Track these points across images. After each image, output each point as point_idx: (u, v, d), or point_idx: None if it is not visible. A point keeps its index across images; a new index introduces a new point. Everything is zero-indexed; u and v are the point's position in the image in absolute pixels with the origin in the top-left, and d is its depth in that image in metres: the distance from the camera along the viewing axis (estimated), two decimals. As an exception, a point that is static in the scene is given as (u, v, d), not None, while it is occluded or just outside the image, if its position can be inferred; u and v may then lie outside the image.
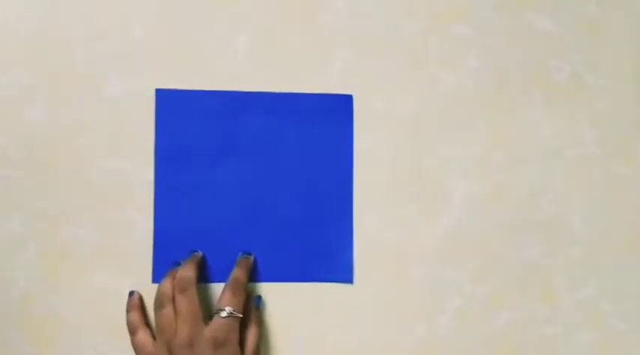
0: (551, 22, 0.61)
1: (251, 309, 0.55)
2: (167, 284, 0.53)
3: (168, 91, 0.57)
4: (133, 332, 0.53)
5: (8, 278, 0.55)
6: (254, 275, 0.57)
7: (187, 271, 0.52)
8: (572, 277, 0.58)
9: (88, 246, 0.56)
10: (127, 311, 0.55)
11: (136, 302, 0.55)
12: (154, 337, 0.53)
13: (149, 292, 0.56)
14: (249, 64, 0.58)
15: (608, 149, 0.60)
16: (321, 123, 0.58)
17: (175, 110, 0.57)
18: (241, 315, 0.52)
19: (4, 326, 0.55)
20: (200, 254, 0.56)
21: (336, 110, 0.58)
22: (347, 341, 0.57)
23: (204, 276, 0.57)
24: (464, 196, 0.59)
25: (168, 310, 0.52)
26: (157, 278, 0.56)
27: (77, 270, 0.56)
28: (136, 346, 0.53)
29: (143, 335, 0.53)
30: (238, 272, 0.54)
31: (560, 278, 0.58)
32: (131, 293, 0.55)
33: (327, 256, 0.57)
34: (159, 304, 0.52)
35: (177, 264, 0.55)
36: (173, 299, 0.52)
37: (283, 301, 0.57)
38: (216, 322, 0.51)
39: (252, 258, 0.56)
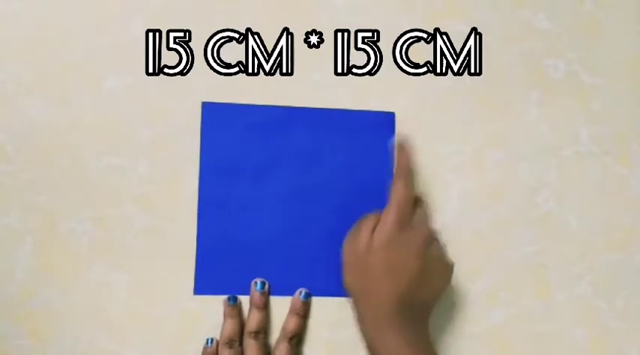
0: (548, 20, 0.61)
1: None
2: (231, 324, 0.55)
3: (215, 105, 0.58)
4: None
5: (6, 272, 0.55)
6: (289, 289, 0.57)
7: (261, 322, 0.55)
8: (567, 274, 0.59)
9: (85, 241, 0.56)
10: None
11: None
12: None
13: (147, 285, 0.56)
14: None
15: (603, 147, 0.60)
16: (363, 139, 0.59)
17: (221, 123, 0.58)
18: None
19: (1, 320, 0.55)
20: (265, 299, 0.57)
21: (378, 127, 0.59)
22: (342, 341, 0.57)
23: (243, 289, 0.57)
24: (460, 193, 0.59)
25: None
26: (198, 290, 0.56)
27: (74, 265, 0.56)
28: None
29: None
30: (293, 323, 0.56)
31: (555, 275, 0.59)
32: (208, 341, 0.56)
33: None
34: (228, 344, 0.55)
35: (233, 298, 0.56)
36: None
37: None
38: None
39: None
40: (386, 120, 0.59)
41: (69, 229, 0.56)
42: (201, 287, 0.56)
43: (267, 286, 0.56)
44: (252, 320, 0.55)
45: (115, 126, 0.57)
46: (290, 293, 0.57)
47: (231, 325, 0.55)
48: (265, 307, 0.56)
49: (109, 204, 0.56)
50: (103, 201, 0.56)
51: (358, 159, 0.58)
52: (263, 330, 0.55)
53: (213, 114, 0.58)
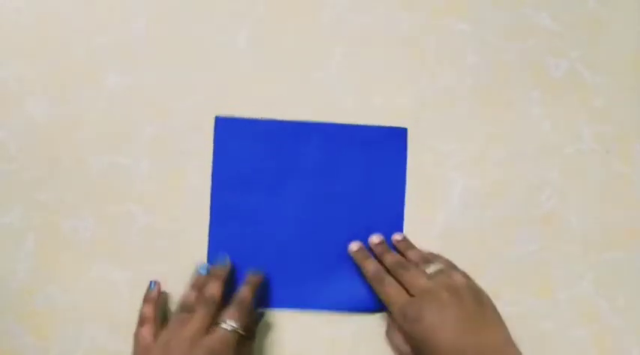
0: (550, 19, 0.61)
1: (250, 326, 0.54)
2: (193, 293, 0.54)
3: (228, 119, 0.58)
4: (140, 323, 0.53)
5: (8, 270, 0.56)
6: (296, 302, 0.57)
7: (214, 290, 0.53)
8: (569, 272, 0.58)
9: (87, 239, 0.56)
10: (143, 301, 0.55)
11: (152, 296, 0.55)
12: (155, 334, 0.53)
13: (145, 285, 0.56)
14: (251, 55, 0.59)
15: (605, 146, 0.60)
16: (375, 154, 0.58)
17: (234, 137, 0.58)
18: (244, 333, 0.51)
19: (3, 318, 0.55)
20: (226, 268, 0.56)
21: (390, 141, 0.59)
22: (344, 336, 0.57)
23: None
24: (462, 191, 0.59)
25: (185, 316, 0.52)
26: None
27: (76, 262, 0.56)
28: (135, 337, 0.53)
29: (146, 330, 0.52)
30: (245, 292, 0.54)
31: (557, 273, 0.58)
32: (151, 284, 0.56)
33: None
34: (180, 308, 0.53)
35: (205, 268, 0.56)
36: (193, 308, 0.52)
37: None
38: (217, 332, 0.50)
39: (261, 276, 0.56)
40: (398, 136, 0.59)
41: (71, 227, 0.56)
42: None
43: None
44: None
45: (116, 125, 0.57)
46: (296, 306, 0.57)
47: (193, 294, 0.54)
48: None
49: (110, 202, 0.57)
50: (104, 199, 0.57)
51: (370, 174, 0.58)
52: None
53: (226, 129, 0.58)
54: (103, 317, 0.56)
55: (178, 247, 0.57)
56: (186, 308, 0.52)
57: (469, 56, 0.60)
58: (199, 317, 0.51)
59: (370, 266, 0.55)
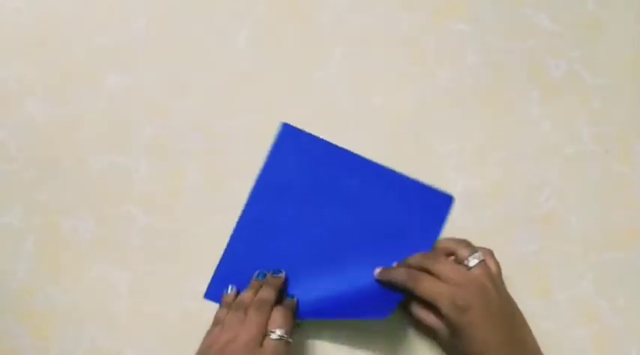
0: (550, 20, 0.61)
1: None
2: (249, 294, 0.54)
3: (293, 128, 0.58)
4: (214, 323, 0.53)
5: (7, 270, 0.56)
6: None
7: (269, 294, 0.53)
8: (568, 273, 0.58)
9: (87, 239, 0.56)
10: (220, 304, 0.55)
11: (228, 300, 0.55)
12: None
13: (148, 284, 0.56)
14: (251, 55, 0.59)
15: (605, 146, 0.60)
16: (415, 210, 0.58)
17: (291, 147, 0.58)
18: (290, 340, 0.51)
19: (3, 318, 0.55)
20: (282, 278, 0.56)
21: (433, 203, 0.58)
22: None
23: None
24: (461, 191, 0.59)
25: (240, 315, 0.52)
26: (210, 295, 0.56)
27: (76, 263, 0.56)
28: (207, 334, 0.53)
29: (218, 331, 0.52)
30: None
31: (557, 273, 0.58)
32: (228, 288, 0.56)
33: (375, 298, 0.56)
34: (236, 307, 0.53)
35: (262, 274, 0.56)
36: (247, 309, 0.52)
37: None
38: (268, 346, 0.50)
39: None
40: (443, 201, 0.58)
41: (71, 228, 0.56)
42: (213, 294, 0.56)
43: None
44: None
45: (116, 125, 0.57)
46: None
47: (249, 295, 0.54)
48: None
49: (110, 202, 0.57)
50: (104, 199, 0.57)
51: (405, 225, 0.58)
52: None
53: (288, 137, 0.58)
54: (103, 317, 0.56)
55: (178, 247, 0.57)
56: (241, 306, 0.52)
57: (469, 56, 0.60)
58: (253, 324, 0.50)
59: (399, 272, 0.54)
